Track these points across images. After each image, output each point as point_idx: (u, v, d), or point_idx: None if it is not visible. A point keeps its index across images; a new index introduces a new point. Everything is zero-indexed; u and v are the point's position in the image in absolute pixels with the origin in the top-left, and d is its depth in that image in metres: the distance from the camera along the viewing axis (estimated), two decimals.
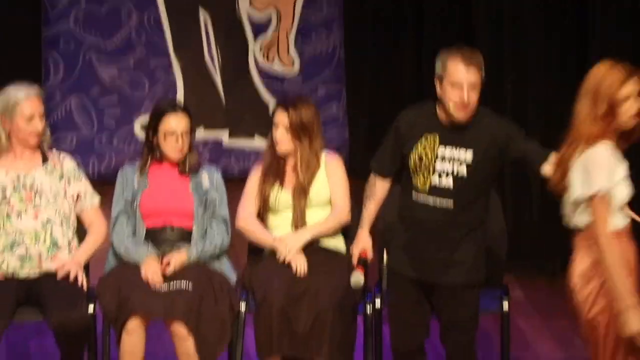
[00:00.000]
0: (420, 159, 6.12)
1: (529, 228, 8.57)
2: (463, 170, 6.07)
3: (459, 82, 5.99)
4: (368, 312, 6.60)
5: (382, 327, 6.54)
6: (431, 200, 6.10)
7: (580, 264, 5.68)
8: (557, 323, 7.91)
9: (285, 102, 6.78)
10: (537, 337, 7.70)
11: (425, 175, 6.10)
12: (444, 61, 6.04)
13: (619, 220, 5.64)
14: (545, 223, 8.14)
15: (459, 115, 6.04)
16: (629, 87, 5.60)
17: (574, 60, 8.61)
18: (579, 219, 5.69)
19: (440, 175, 6.09)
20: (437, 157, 6.10)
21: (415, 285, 6.22)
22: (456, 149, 6.08)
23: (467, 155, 6.07)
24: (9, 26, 10.05)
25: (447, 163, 6.09)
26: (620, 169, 5.61)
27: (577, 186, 5.63)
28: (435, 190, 6.09)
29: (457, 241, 6.12)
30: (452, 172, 6.08)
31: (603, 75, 5.63)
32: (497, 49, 8.94)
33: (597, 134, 5.60)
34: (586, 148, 5.60)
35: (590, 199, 5.58)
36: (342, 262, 6.56)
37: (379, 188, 6.38)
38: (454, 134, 6.09)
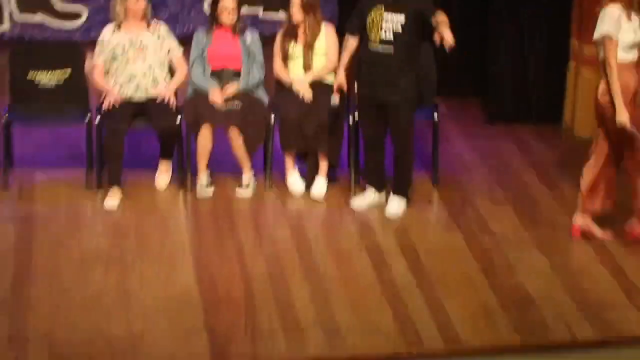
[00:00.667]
0: (373, 21, 5.82)
1: (450, 68, 7.68)
2: (399, 28, 5.78)
3: None
4: (350, 119, 6.27)
5: (358, 128, 6.25)
6: (380, 48, 5.81)
7: (599, 88, 5.36)
8: (465, 127, 7.45)
9: None
10: (454, 135, 7.26)
11: (376, 32, 5.81)
12: None
13: (626, 55, 5.26)
14: (461, 64, 7.48)
15: None
16: None
17: None
18: (601, 54, 5.33)
19: (385, 31, 5.79)
20: (382, 19, 5.80)
21: (374, 103, 5.97)
22: (394, 14, 5.79)
23: (400, 17, 5.78)
24: None
25: (389, 23, 5.79)
26: (624, 21, 5.18)
27: (595, 32, 5.30)
28: (382, 42, 5.81)
29: (398, 74, 5.83)
30: (392, 29, 5.78)
31: None
32: None
33: None
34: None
35: (601, 40, 5.23)
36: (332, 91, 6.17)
37: (350, 42, 5.99)
38: (392, 4, 5.80)
